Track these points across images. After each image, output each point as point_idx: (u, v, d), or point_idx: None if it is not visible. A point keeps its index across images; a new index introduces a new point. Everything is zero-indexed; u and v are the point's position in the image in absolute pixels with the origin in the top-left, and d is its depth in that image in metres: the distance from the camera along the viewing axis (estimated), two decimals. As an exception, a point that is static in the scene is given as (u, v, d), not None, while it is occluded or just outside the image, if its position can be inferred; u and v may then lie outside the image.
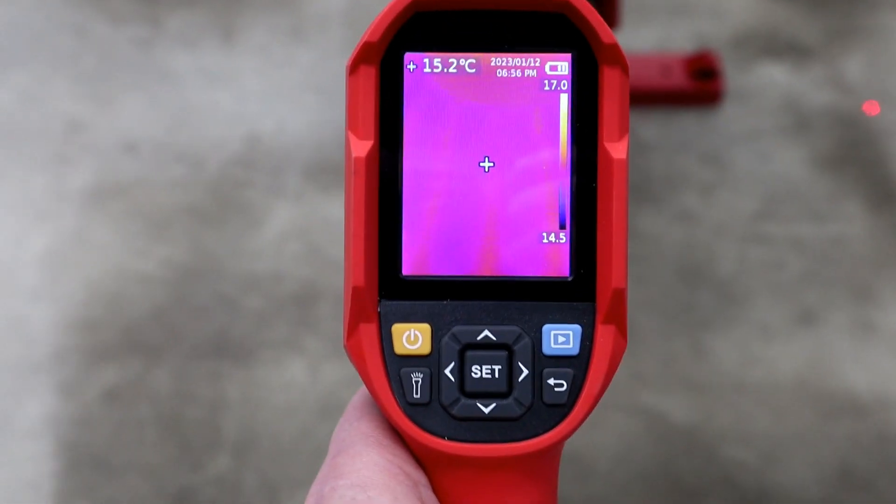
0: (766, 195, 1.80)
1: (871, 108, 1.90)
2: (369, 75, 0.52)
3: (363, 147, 0.52)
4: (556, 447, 0.52)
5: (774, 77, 1.95)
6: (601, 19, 0.52)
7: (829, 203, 1.79)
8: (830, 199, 1.80)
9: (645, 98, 1.90)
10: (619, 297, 0.52)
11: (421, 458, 0.53)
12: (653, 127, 1.90)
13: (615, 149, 0.52)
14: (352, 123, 0.52)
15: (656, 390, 1.59)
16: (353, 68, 0.52)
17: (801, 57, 1.97)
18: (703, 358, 1.63)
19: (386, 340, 0.52)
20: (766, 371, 1.62)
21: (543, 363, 0.52)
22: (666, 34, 2.04)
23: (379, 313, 0.52)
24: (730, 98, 1.94)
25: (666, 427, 1.57)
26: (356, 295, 0.52)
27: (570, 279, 0.52)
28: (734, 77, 1.97)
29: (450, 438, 0.52)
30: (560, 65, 0.52)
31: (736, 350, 1.64)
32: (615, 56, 0.52)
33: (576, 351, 0.52)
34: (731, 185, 1.82)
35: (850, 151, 1.85)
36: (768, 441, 1.57)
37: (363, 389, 0.54)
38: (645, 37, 2.03)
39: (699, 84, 1.91)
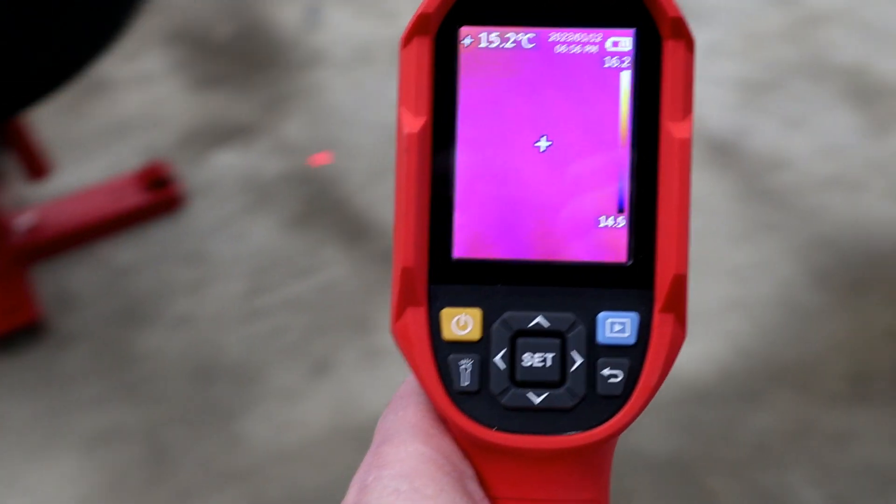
0: (253, 271, 1.86)
1: (322, 159, 1.99)
2: (423, 48, 0.49)
3: (416, 123, 0.49)
4: (609, 440, 0.49)
5: (228, 162, 2.02)
6: None
7: (310, 256, 1.86)
8: (310, 252, 1.87)
9: (110, 226, 1.92)
10: (680, 283, 0.49)
11: (468, 448, 0.50)
12: (128, 250, 1.93)
13: (678, 128, 0.49)
14: (404, 98, 0.49)
15: (201, 496, 1.61)
16: (407, 41, 0.49)
17: (246, 135, 2.04)
18: (239, 445, 1.66)
19: (434, 325, 0.49)
20: (301, 431, 1.67)
21: (598, 352, 0.49)
22: (115, 158, 2.08)
23: (428, 296, 0.49)
24: (194, 195, 1.99)
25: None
26: (405, 276, 0.49)
27: (627, 264, 0.50)
28: (193, 174, 2.02)
29: (498, 429, 0.49)
30: (622, 41, 0.50)
31: (266, 423, 1.68)
32: (680, 30, 0.49)
33: (632, 340, 0.49)
34: (217, 275, 1.86)
35: (314, 204, 1.93)
36: (317, 494, 1.61)
37: (410, 378, 0.51)
38: (94, 168, 2.06)
39: (157, 195, 1.96)
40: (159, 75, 2.21)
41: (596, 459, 0.50)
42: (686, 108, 0.49)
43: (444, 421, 0.50)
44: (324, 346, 1.76)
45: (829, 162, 1.98)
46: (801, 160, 1.99)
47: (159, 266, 1.89)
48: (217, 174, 2.00)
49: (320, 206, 1.93)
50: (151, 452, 1.67)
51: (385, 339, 1.76)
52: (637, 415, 0.49)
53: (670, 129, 0.49)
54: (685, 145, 0.49)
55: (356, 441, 1.65)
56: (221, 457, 1.65)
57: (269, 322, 1.79)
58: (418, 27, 0.49)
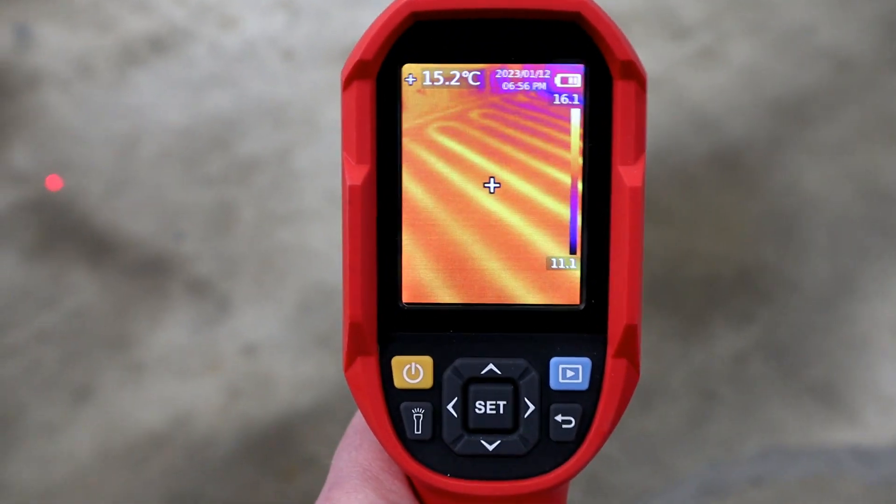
0: (-2, 310, 1.79)
1: (54, 183, 1.92)
2: (364, 91, 0.47)
3: (359, 173, 0.48)
4: (562, 485, 0.49)
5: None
6: (616, 31, 0.47)
7: (56, 284, 1.80)
8: (55, 280, 1.80)
9: None
10: (633, 332, 0.48)
11: (422, 494, 0.50)
12: None
13: (629, 174, 0.48)
14: (347, 145, 0.48)
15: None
16: (347, 84, 0.48)
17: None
18: (4, 490, 1.60)
19: (385, 373, 0.49)
20: (68, 463, 1.61)
21: (551, 398, 0.49)
22: None
23: (378, 344, 0.49)
24: (-75, 244, 1.91)
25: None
26: (353, 330, 0.48)
27: (580, 308, 0.49)
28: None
29: (452, 475, 0.49)
30: (571, 77, 0.48)
31: (31, 463, 1.62)
32: (631, 70, 0.47)
33: (585, 385, 0.48)
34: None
35: (52, 230, 1.86)
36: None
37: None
38: None
39: None
40: None
41: (550, 503, 0.50)
42: (638, 150, 0.48)
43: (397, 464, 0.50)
44: (82, 371, 1.70)
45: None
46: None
47: None
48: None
49: (59, 231, 1.86)
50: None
51: (146, 352, 1.71)
52: (590, 459, 0.49)
53: (621, 174, 0.48)
54: (636, 194, 0.48)
55: (127, 461, 1.60)
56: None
57: (21, 359, 1.72)
58: (357, 71, 0.48)
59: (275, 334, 1.73)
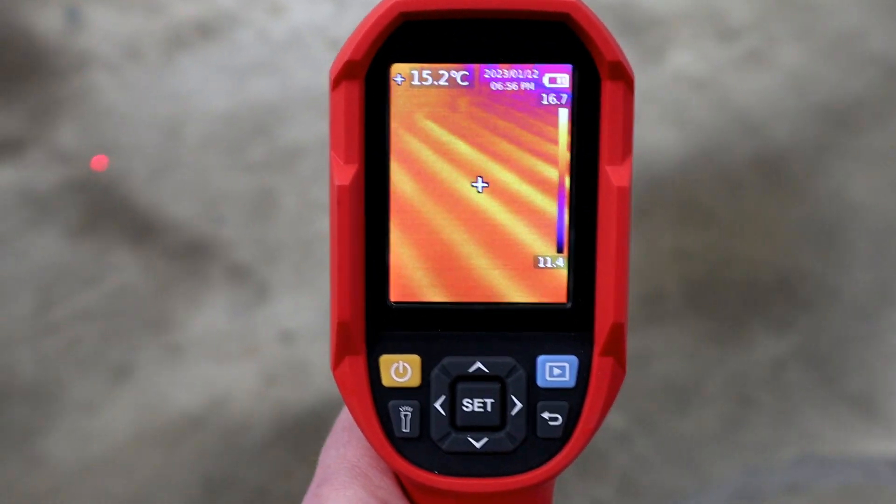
0: (40, 287, 1.80)
1: (100, 163, 1.93)
2: (352, 91, 0.47)
3: (347, 173, 0.48)
4: (549, 481, 0.50)
5: (0, 178, 1.95)
6: (604, 31, 0.48)
7: (99, 263, 1.81)
8: (98, 259, 1.81)
9: None
10: (619, 330, 0.49)
11: (410, 491, 0.50)
12: None
13: (617, 174, 0.48)
14: (335, 144, 0.48)
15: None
16: (336, 84, 0.47)
17: (16, 149, 1.98)
18: (42, 465, 1.61)
19: (373, 372, 0.49)
20: (105, 440, 1.62)
21: (538, 396, 0.49)
22: None
23: (366, 343, 0.49)
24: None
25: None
26: (341, 330, 0.49)
27: (566, 307, 0.49)
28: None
29: (440, 473, 0.49)
30: (560, 77, 0.48)
31: (68, 439, 1.63)
32: (619, 71, 0.48)
33: (572, 383, 0.49)
34: (2, 297, 1.80)
35: (97, 210, 1.88)
36: (127, 502, 1.56)
37: None
38: None
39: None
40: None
41: (536, 499, 0.51)
42: (625, 150, 0.48)
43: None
44: (121, 351, 1.71)
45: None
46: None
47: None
48: (-10, 193, 1.93)
49: (103, 210, 1.88)
50: (-49, 487, 1.61)
51: (184, 334, 1.72)
52: (577, 456, 0.50)
53: (609, 174, 0.48)
54: (623, 193, 0.48)
55: (163, 441, 1.61)
56: (24, 479, 1.59)
57: (63, 335, 1.74)
58: (346, 71, 0.47)
59: (312, 322, 1.74)
